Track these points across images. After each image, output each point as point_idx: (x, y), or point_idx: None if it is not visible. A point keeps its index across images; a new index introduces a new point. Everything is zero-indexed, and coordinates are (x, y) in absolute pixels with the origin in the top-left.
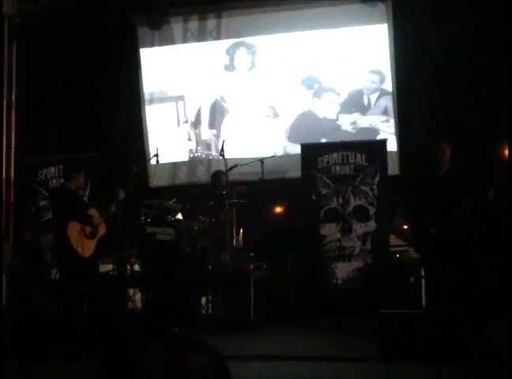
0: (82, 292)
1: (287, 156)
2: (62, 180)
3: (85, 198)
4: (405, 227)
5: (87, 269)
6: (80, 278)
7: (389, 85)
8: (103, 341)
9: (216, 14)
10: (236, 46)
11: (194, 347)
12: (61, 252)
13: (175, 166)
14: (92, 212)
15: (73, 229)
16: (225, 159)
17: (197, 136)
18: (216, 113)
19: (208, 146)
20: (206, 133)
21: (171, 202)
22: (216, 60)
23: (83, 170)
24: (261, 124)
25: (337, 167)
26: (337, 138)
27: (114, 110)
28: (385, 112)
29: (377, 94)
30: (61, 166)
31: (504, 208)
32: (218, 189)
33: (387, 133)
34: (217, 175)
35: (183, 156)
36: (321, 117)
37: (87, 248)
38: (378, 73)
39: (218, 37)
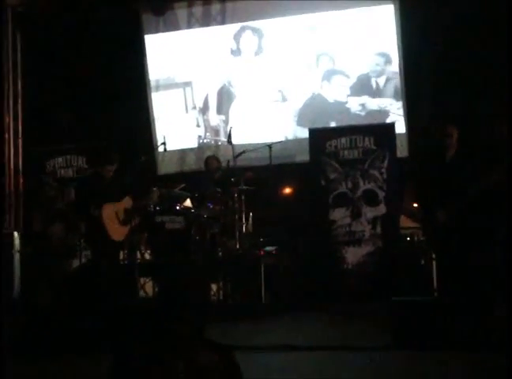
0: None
1: (295, 141)
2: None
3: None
4: (415, 205)
5: (115, 253)
6: (109, 261)
7: (396, 67)
8: (115, 337)
9: None
10: (242, 30)
11: (203, 344)
12: (93, 234)
13: (182, 153)
14: (127, 200)
15: (107, 213)
16: (233, 146)
17: (206, 122)
18: (224, 98)
19: (216, 132)
20: (214, 119)
21: (178, 189)
22: (222, 45)
23: (115, 159)
24: (270, 108)
25: (346, 152)
26: (347, 121)
27: (121, 98)
28: (394, 94)
29: (384, 76)
30: (68, 156)
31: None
32: (214, 174)
33: (397, 115)
34: (207, 160)
35: (192, 143)
36: (330, 100)
37: (118, 233)
38: (383, 55)
39: (223, 22)
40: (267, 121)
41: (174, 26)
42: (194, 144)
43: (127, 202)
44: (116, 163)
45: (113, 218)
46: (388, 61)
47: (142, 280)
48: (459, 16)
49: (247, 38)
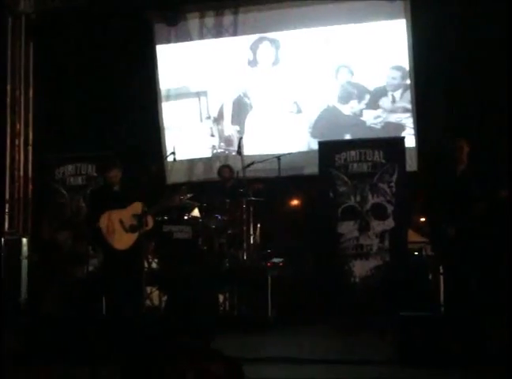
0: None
1: (304, 153)
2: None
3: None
4: (423, 219)
5: (119, 262)
6: (112, 270)
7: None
8: (124, 349)
9: (232, 10)
10: (260, 41)
11: (211, 355)
12: (94, 243)
13: (191, 163)
14: (135, 206)
15: (108, 222)
16: (242, 156)
17: (220, 132)
18: (240, 109)
19: (230, 142)
20: (229, 129)
21: (186, 198)
22: (238, 56)
23: (118, 164)
24: (285, 120)
25: (355, 165)
26: (362, 134)
27: (131, 107)
28: (409, 108)
29: (400, 90)
30: (78, 164)
31: None
32: (226, 184)
33: (412, 128)
34: (220, 170)
35: (204, 153)
36: (345, 113)
37: (123, 241)
38: (399, 69)
39: (235, 33)
40: (281, 133)
41: (186, 37)
42: (207, 154)
43: (135, 208)
44: (117, 168)
45: (116, 226)
46: (404, 75)
47: (149, 289)
48: (470, 30)
49: (264, 49)
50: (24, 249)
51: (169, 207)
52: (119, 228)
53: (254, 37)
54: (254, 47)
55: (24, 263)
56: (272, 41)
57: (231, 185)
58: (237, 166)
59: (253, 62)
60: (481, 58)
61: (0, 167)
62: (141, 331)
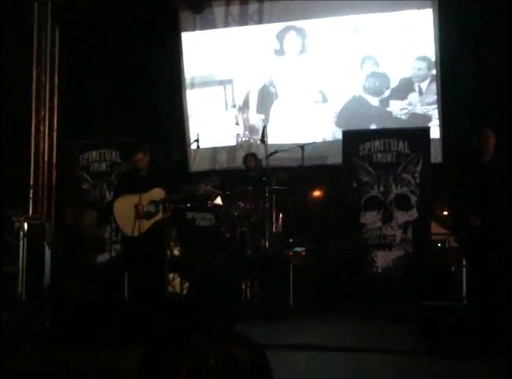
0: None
1: (327, 143)
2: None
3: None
4: (446, 213)
5: (133, 248)
6: (125, 256)
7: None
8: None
9: None
10: (286, 30)
11: (234, 338)
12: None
13: (215, 151)
14: (155, 192)
15: (122, 206)
16: (266, 145)
17: (245, 120)
18: (265, 97)
19: (255, 131)
20: (254, 118)
21: (209, 186)
22: (264, 44)
23: (143, 149)
24: (310, 109)
25: (379, 155)
26: (388, 125)
27: (156, 94)
28: (435, 99)
29: (427, 81)
30: (102, 150)
31: None
32: (251, 172)
33: (438, 119)
34: (245, 158)
35: (229, 141)
36: (372, 103)
37: (134, 227)
38: (425, 59)
39: (260, 21)
40: (306, 122)
41: (211, 24)
42: (231, 143)
43: (154, 194)
44: (142, 152)
45: (129, 211)
46: (430, 65)
47: (171, 276)
48: (497, 19)
49: (291, 38)
50: (48, 234)
51: (194, 194)
52: (133, 214)
53: (280, 26)
54: (280, 37)
55: (48, 248)
56: (299, 30)
57: (256, 173)
58: (261, 154)
59: (279, 51)
60: (508, 48)
61: (24, 153)
62: (163, 315)
